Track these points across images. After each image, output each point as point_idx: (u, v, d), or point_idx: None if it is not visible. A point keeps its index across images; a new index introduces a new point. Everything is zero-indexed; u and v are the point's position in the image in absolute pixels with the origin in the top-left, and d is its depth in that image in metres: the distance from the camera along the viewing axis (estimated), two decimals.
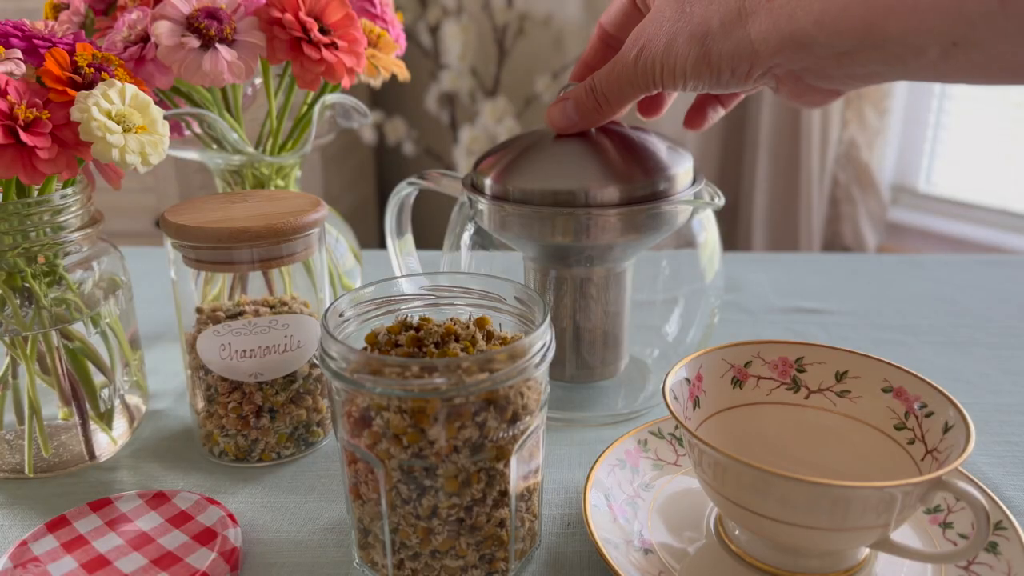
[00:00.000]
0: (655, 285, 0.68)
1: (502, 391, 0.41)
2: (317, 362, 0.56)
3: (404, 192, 0.67)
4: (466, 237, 0.64)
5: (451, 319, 0.47)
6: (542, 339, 0.43)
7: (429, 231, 1.11)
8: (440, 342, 0.44)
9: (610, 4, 0.56)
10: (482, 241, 0.64)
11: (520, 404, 0.42)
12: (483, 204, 0.58)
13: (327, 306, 0.45)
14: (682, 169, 0.57)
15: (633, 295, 0.64)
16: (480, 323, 0.47)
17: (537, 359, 0.42)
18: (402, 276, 0.59)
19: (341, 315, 0.46)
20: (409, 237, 0.70)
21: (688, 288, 0.67)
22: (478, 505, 0.43)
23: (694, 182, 0.60)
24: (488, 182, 0.57)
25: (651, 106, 0.59)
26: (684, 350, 0.66)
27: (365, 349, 0.45)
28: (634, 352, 0.69)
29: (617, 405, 0.64)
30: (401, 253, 0.69)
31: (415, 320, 0.48)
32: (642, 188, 0.55)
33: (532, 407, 0.43)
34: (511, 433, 0.42)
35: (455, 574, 0.44)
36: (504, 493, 0.43)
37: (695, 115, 0.59)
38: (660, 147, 0.58)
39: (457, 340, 0.45)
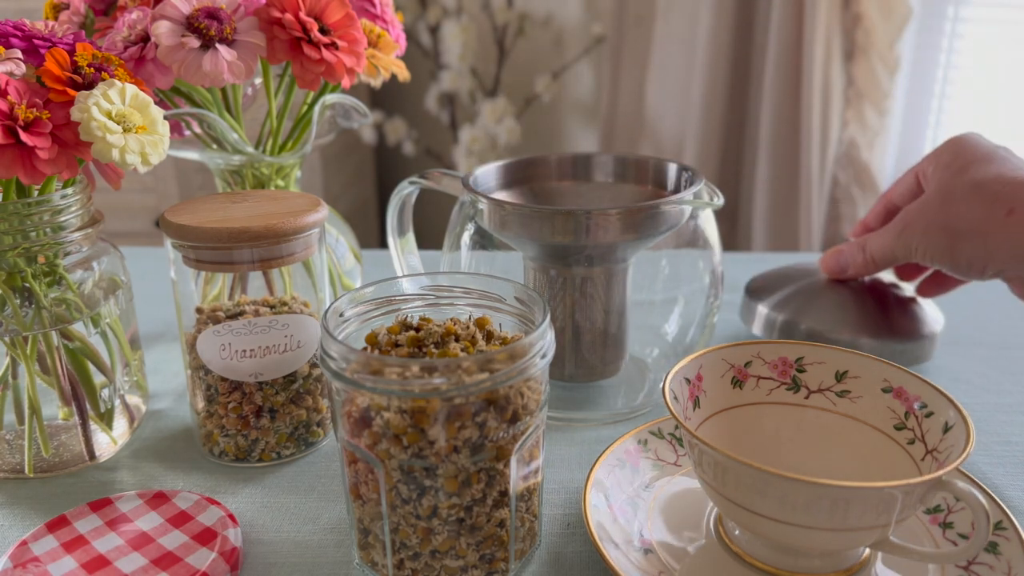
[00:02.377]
0: (655, 285, 0.69)
1: (502, 391, 0.41)
2: (317, 362, 0.56)
3: (405, 191, 0.67)
4: (466, 237, 0.64)
5: (451, 319, 0.47)
6: (542, 339, 0.43)
7: (429, 231, 1.11)
8: (440, 342, 0.44)
9: (897, 181, 0.67)
10: (482, 241, 0.64)
11: (520, 404, 0.42)
12: (483, 204, 0.58)
13: (327, 306, 0.45)
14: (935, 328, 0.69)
15: (633, 295, 0.64)
16: (480, 323, 0.47)
17: (537, 359, 0.42)
18: (402, 276, 0.59)
19: (341, 315, 0.46)
20: (411, 236, 0.70)
21: (688, 288, 0.67)
22: (478, 505, 0.43)
23: (693, 183, 0.60)
24: (764, 310, 0.70)
25: (907, 272, 0.71)
26: (684, 350, 0.67)
27: (365, 349, 0.45)
28: (634, 352, 0.69)
29: (617, 404, 0.64)
30: (403, 252, 0.70)
31: (415, 320, 0.48)
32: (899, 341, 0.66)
33: (532, 407, 0.43)
34: (511, 433, 0.42)
35: (455, 574, 0.44)
36: (504, 493, 0.43)
37: (930, 286, 0.69)
38: (908, 306, 0.69)
39: (457, 340, 0.45)
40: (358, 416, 0.42)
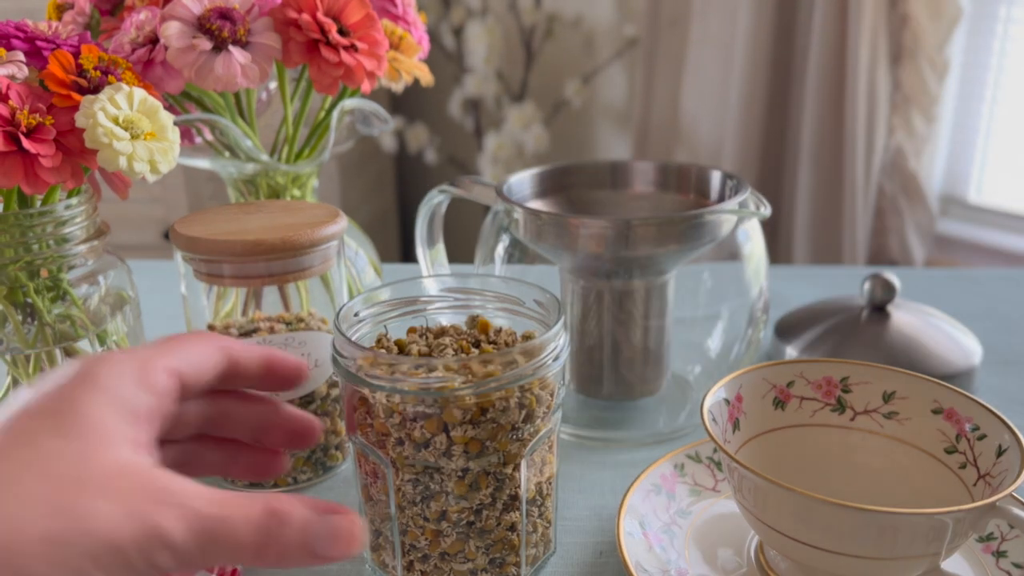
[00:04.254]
0: (697, 299, 0.68)
1: (513, 392, 0.41)
2: (336, 377, 0.55)
3: (436, 200, 0.67)
4: (500, 249, 0.64)
5: (467, 318, 0.49)
6: (555, 340, 0.43)
7: (452, 243, 1.09)
8: (451, 342, 0.46)
9: None
10: (517, 253, 0.64)
11: (531, 407, 0.42)
12: (518, 213, 0.58)
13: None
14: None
15: (674, 309, 0.63)
16: (483, 326, 0.48)
17: (549, 360, 0.42)
18: (419, 277, 0.58)
19: (356, 315, 0.47)
20: (441, 247, 0.69)
21: (733, 302, 0.67)
22: (487, 508, 0.43)
23: (738, 192, 0.58)
24: (794, 353, 0.69)
25: None
26: (727, 367, 0.66)
27: (374, 348, 0.46)
28: (675, 369, 0.69)
29: (657, 424, 0.64)
30: (432, 264, 0.69)
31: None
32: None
33: (544, 410, 0.43)
34: (521, 436, 0.42)
35: None
36: (514, 497, 0.44)
37: None
38: (943, 341, 0.67)
39: (468, 340, 0.46)
40: (366, 415, 0.42)
